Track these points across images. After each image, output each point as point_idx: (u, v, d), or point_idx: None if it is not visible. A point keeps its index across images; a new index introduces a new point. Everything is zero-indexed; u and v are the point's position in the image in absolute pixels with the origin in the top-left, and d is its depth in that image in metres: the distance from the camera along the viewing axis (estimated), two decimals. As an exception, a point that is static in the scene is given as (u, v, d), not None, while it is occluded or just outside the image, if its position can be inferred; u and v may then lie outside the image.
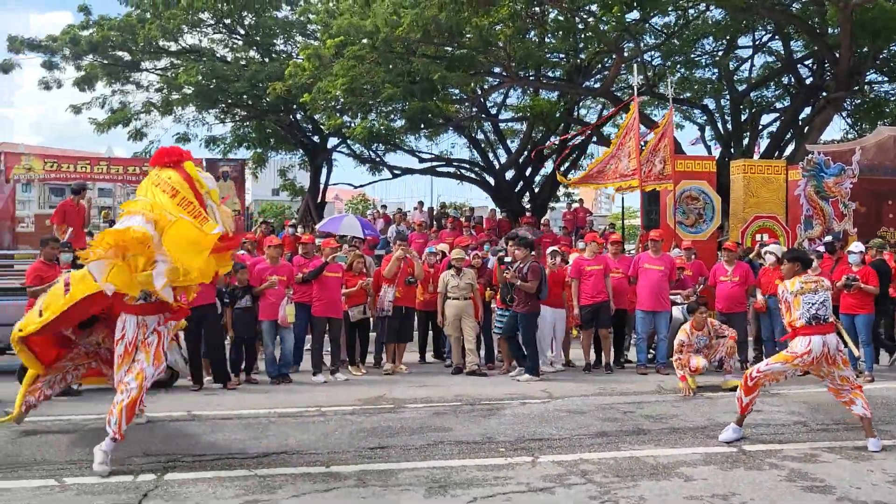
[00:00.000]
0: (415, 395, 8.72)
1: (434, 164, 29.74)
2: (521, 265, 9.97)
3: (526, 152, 27.15)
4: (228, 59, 26.27)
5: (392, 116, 23.83)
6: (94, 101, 26.72)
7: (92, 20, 25.21)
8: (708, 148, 26.02)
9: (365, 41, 17.42)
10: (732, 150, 23.21)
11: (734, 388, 7.74)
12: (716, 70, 23.95)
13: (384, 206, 29.01)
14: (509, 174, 28.43)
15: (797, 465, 5.79)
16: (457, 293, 10.41)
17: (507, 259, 10.26)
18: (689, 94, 24.81)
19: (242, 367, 9.76)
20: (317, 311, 10.12)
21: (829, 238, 12.05)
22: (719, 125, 25.35)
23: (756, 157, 23.48)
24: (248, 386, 9.49)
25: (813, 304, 6.41)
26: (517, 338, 10.01)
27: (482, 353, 10.86)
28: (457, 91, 22.41)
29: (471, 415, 7.66)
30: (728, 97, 24.16)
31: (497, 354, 11.07)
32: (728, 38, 22.52)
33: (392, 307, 10.55)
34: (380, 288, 10.60)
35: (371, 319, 10.85)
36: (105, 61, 25.47)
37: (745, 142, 23.95)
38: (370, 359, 11.14)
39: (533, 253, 10.48)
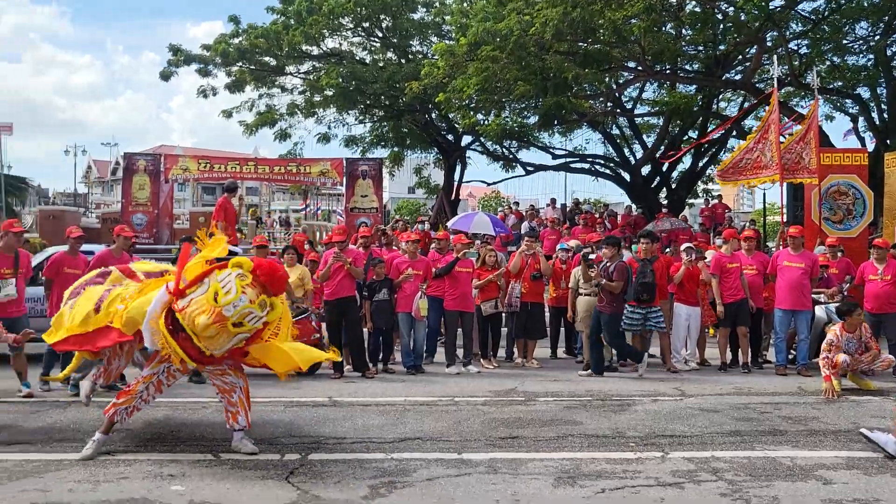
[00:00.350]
0: (546, 389, 8.83)
1: (568, 160, 29.56)
2: (609, 264, 9.90)
3: (662, 147, 26.57)
4: (367, 62, 27.21)
5: (525, 113, 23.95)
6: (243, 105, 28.41)
7: (241, 28, 26.76)
8: (862, 140, 24.48)
9: (501, 49, 17.57)
10: (889, 141, 21.77)
11: (878, 391, 7.39)
12: (871, 56, 22.52)
13: (516, 203, 29.14)
14: (645, 170, 27.85)
15: (949, 473, 5.50)
16: (588, 289, 10.41)
17: (592, 256, 10.21)
18: (840, 84, 23.48)
19: (380, 357, 10.17)
20: (449, 305, 10.41)
21: None
22: (874, 115, 23.82)
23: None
24: (385, 375, 9.89)
25: None
26: (601, 339, 10.00)
27: (614, 349, 10.79)
28: (591, 87, 22.19)
29: (601, 410, 7.70)
30: (884, 85, 22.63)
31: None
32: (885, 20, 21.07)
33: (519, 302, 10.69)
34: (508, 283, 10.77)
35: (503, 314, 11.02)
36: (252, 67, 27.00)
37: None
38: (501, 353, 11.32)
39: (621, 252, 10.37)
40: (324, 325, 10.14)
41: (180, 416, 7.30)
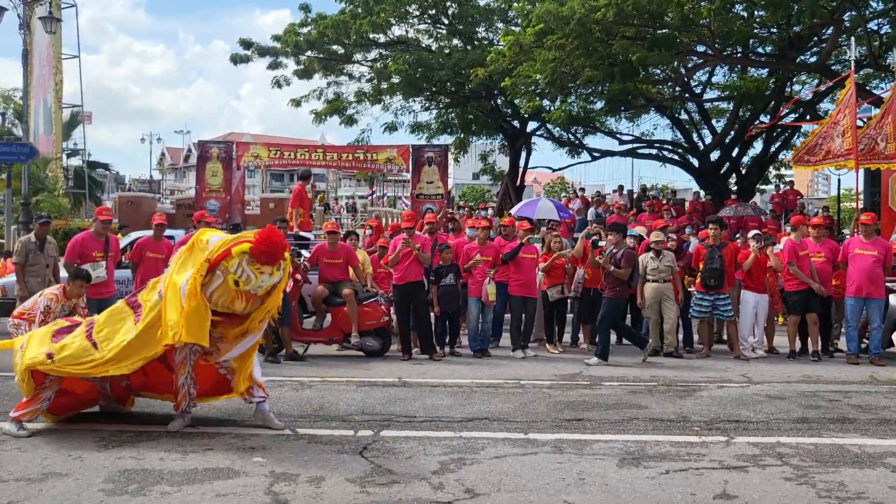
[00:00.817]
0: (611, 374, 8.93)
1: (635, 145, 29.24)
2: (616, 251, 9.93)
3: (733, 133, 26.08)
4: (433, 49, 27.38)
5: (591, 99, 23.80)
6: (312, 93, 28.91)
7: (310, 17, 27.22)
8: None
9: (564, 27, 17.45)
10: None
11: None
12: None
13: (582, 189, 29.00)
14: (714, 155, 27.35)
15: None
16: (656, 275, 10.43)
17: (601, 243, 10.22)
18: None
19: (446, 340, 10.40)
20: (513, 291, 10.55)
21: None
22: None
23: None
24: (451, 358, 10.12)
25: None
26: (622, 324, 10.16)
27: (680, 336, 10.80)
28: (658, 71, 21.91)
29: (666, 394, 7.77)
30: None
31: (696, 338, 10.96)
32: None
33: (581, 288, 10.77)
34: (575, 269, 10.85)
35: (568, 300, 11.11)
36: (321, 55, 27.44)
37: None
38: (567, 338, 11.42)
39: (626, 239, 10.35)
40: (392, 309, 10.41)
41: (258, 393, 7.64)
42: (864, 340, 10.32)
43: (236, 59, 27.88)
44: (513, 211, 17.39)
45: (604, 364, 9.64)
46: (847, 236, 13.81)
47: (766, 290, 10.55)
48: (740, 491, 4.81)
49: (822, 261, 10.38)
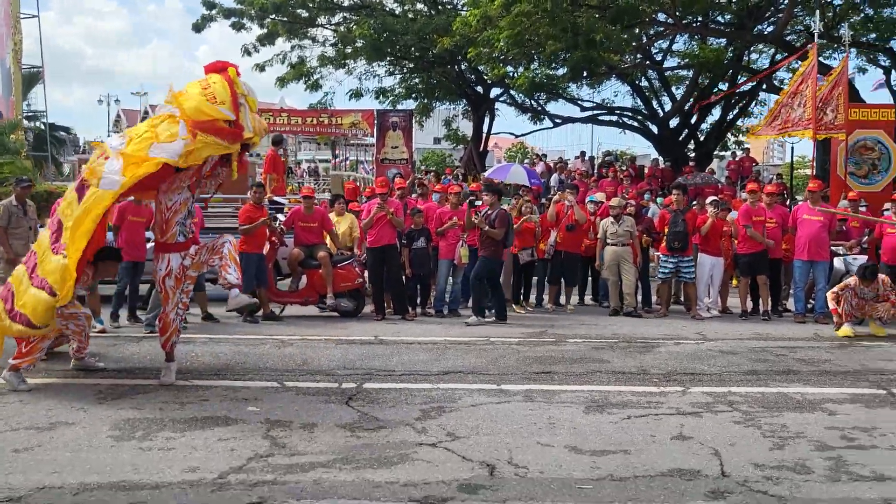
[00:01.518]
0: (575, 332, 9.44)
1: (596, 112, 29.74)
2: (490, 212, 10.19)
3: (691, 100, 26.70)
4: (397, 13, 27.40)
5: (554, 65, 24.14)
6: (275, 57, 28.75)
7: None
8: (893, 93, 24.39)
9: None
10: (918, 96, 21.77)
11: (884, 337, 8.11)
12: (905, 9, 22.34)
13: (544, 155, 29.47)
14: (673, 122, 27.96)
15: (945, 408, 6.06)
16: (615, 239, 10.95)
17: (478, 203, 10.55)
18: (873, 36, 23.38)
19: (419, 300, 10.81)
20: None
21: None
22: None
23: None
24: (423, 318, 10.55)
25: None
26: (484, 282, 10.29)
27: (639, 297, 11.35)
28: (622, 41, 22.27)
29: (627, 350, 8.30)
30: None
31: (654, 299, 11.53)
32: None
33: (553, 251, 11.24)
34: (546, 232, 11.29)
35: (536, 263, 11.57)
36: (285, 18, 27.28)
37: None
38: (532, 299, 11.90)
39: (501, 199, 10.74)
40: (366, 271, 10.77)
41: (243, 349, 8.01)
42: (811, 301, 10.97)
43: (199, 26, 27.61)
44: (485, 174, 17.77)
45: (483, 322, 9.99)
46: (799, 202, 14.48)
47: (722, 253, 11.13)
48: (695, 433, 5.34)
49: (773, 226, 10.97)
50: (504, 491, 4.23)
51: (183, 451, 4.81)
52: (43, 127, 26.82)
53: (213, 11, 27.17)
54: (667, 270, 10.90)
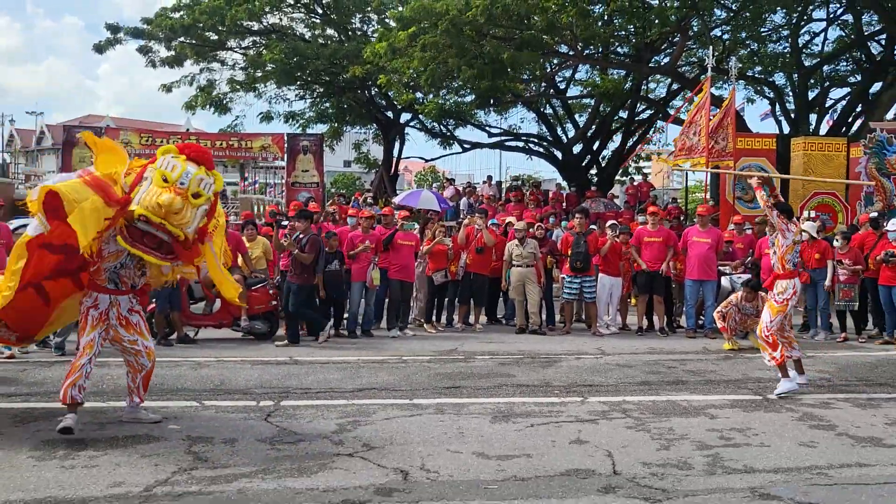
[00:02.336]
0: (483, 349, 9.91)
1: (503, 138, 30.66)
2: (302, 236, 10.29)
3: (594, 127, 27.91)
4: (307, 38, 27.65)
5: (462, 93, 24.87)
6: (183, 79, 28.54)
7: (183, 2, 26.87)
8: (779, 122, 26.10)
9: (437, 26, 18.30)
10: (799, 126, 23.39)
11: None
12: (786, 44, 24.06)
13: (452, 180, 30.13)
14: (577, 148, 29.11)
15: (810, 410, 6.76)
16: (520, 261, 11.51)
17: (285, 223, 10.92)
18: (758, 69, 25.04)
19: (331, 322, 11.06)
20: (392, 275, 11.33)
21: (874, 214, 12.64)
22: (790, 101, 25.42)
23: (824, 131, 23.70)
24: (336, 339, 10.80)
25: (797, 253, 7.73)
26: (305, 311, 10.37)
27: (544, 315, 11.92)
28: (527, 69, 23.17)
29: (531, 365, 8.80)
30: (797, 72, 24.21)
31: (558, 317, 12.13)
32: (800, 10, 22.43)
33: (463, 272, 11.70)
34: (458, 255, 11.75)
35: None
36: (193, 41, 27.14)
37: (815, 117, 24.14)
38: (443, 318, 12.32)
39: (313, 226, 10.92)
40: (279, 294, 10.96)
41: (159, 371, 8.05)
42: (701, 317, 11.77)
43: (101, 48, 27.14)
44: (396, 200, 18.17)
45: (294, 346, 10.04)
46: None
47: (620, 273, 11.83)
48: (591, 437, 5.82)
49: (659, 242, 11.71)
50: (417, 493, 4.58)
51: (107, 467, 4.96)
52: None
53: (119, 34, 26.81)
54: (572, 290, 11.53)
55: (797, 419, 6.45)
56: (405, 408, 6.66)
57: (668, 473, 4.99)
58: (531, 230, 11.89)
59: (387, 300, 11.49)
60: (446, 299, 12.16)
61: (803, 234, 11.28)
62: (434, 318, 11.94)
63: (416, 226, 12.37)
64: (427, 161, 33.87)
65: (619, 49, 25.39)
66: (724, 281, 11.70)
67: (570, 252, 11.51)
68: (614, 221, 12.66)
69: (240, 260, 10.73)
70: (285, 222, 10.91)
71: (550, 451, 5.44)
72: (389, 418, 6.29)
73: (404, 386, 7.56)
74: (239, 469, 4.96)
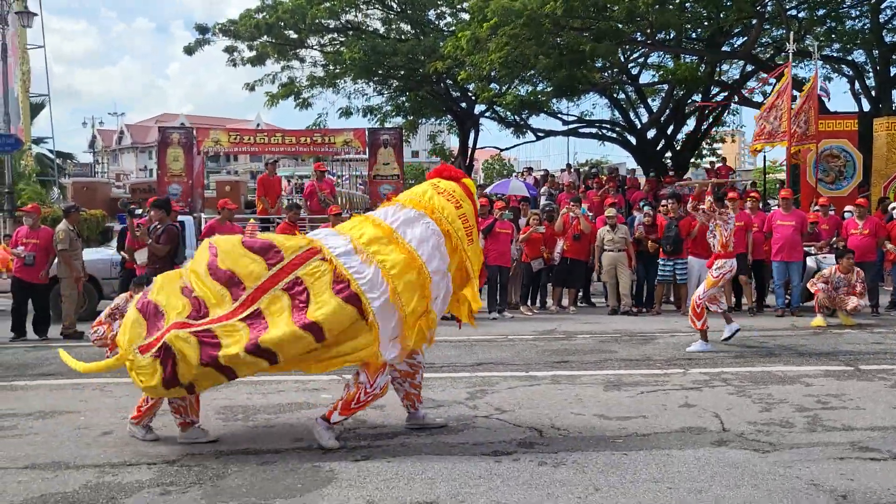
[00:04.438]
0: (581, 329, 10.61)
1: (576, 125, 31.06)
2: (158, 226, 9.72)
3: (668, 112, 28.10)
4: (382, 32, 28.56)
5: (536, 82, 25.42)
6: (266, 77, 29.82)
7: (267, 3, 28.13)
8: (858, 101, 25.77)
9: (517, 20, 18.92)
10: (881, 104, 23.17)
11: (853, 326, 9.51)
12: (866, 21, 23.79)
13: (529, 169, 30.72)
14: (651, 133, 29.31)
15: (902, 378, 7.27)
16: (612, 245, 12.13)
17: (139, 211, 10.98)
18: (836, 47, 24.83)
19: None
20: (491, 261, 12.07)
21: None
22: (871, 78, 25.09)
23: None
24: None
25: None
26: None
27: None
28: (604, 58, 23.56)
29: (630, 342, 9.47)
30: (877, 49, 23.92)
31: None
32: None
33: (559, 258, 12.40)
34: (553, 241, 12.46)
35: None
36: (275, 40, 28.35)
37: (897, 95, 23.83)
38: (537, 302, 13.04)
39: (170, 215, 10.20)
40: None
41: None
42: (787, 296, 12.20)
43: (191, 49, 28.61)
44: (488, 190, 18.92)
45: None
46: (774, 207, 15.76)
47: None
48: (698, 402, 6.48)
49: (756, 230, 12.18)
50: (554, 446, 5.33)
51: (284, 428, 5.86)
52: (46, 153, 27.64)
53: (208, 35, 28.21)
54: (665, 272, 12.09)
55: (890, 386, 6.98)
56: (524, 379, 7.42)
57: (773, 430, 5.62)
58: (621, 216, 12.48)
59: (486, 285, 12.26)
60: (541, 283, 12.86)
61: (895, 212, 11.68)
62: (529, 301, 12.65)
63: (511, 215, 13.09)
64: (501, 150, 34.49)
65: (692, 34, 25.53)
66: (811, 261, 12.09)
67: (662, 236, 12.05)
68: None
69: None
70: (139, 211, 11.13)
71: (663, 414, 6.12)
72: (512, 388, 7.06)
73: (518, 361, 8.32)
74: (395, 429, 5.80)
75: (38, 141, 27.97)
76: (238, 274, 5.22)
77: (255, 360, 4.96)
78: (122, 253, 10.74)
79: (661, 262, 12.16)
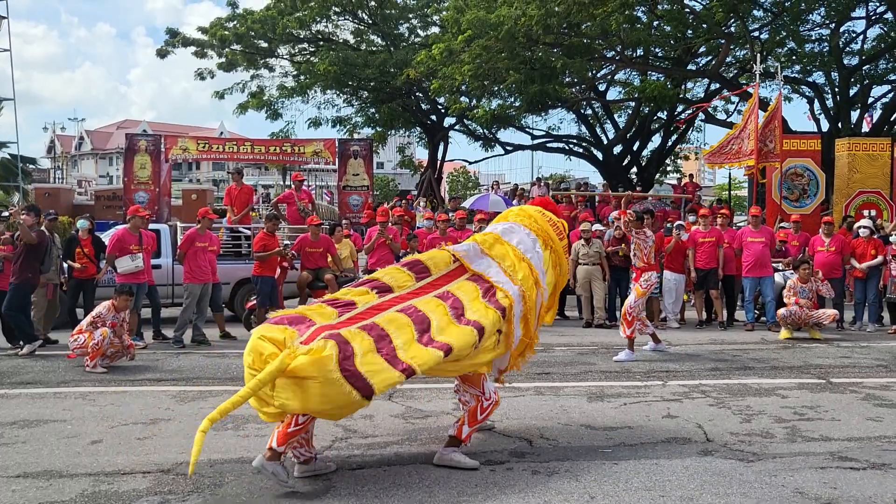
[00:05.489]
0: (558, 342, 10.74)
1: (544, 140, 31.42)
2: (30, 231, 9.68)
3: (634, 128, 28.56)
4: (352, 43, 28.65)
5: (506, 96, 25.69)
6: (235, 86, 29.71)
7: (237, 13, 28.09)
8: (817, 121, 26.43)
9: (492, 33, 19.17)
10: (840, 124, 23.81)
11: (821, 340, 9.84)
12: (825, 44, 24.47)
13: (496, 183, 30.95)
14: (617, 149, 29.76)
15: (873, 392, 7.52)
16: (586, 259, 12.31)
17: (5, 214, 11.15)
18: (797, 68, 25.50)
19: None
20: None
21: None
22: (829, 100, 25.79)
23: (866, 129, 24.14)
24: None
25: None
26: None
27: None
28: (574, 74, 23.92)
29: (607, 355, 9.62)
30: (837, 72, 24.58)
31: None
32: (840, 9, 22.85)
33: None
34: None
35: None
36: (246, 49, 28.29)
37: (856, 115, 24.54)
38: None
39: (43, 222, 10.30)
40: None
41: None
42: (757, 311, 12.49)
43: (163, 52, 28.44)
44: (466, 204, 19.05)
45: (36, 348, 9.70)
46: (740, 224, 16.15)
47: (684, 270, 12.57)
48: (679, 413, 6.64)
49: (726, 246, 12.46)
50: (544, 455, 5.43)
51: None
52: (7, 157, 27.16)
53: (176, 39, 28.09)
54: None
55: (861, 399, 7.21)
56: (508, 390, 7.47)
57: (755, 441, 5.79)
58: (594, 231, 12.68)
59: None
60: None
61: (861, 230, 12.04)
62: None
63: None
64: (470, 163, 34.76)
65: (658, 52, 26.02)
66: (779, 277, 12.40)
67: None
68: (680, 222, 13.38)
69: (329, 259, 11.67)
70: (5, 213, 11.32)
71: (647, 424, 6.27)
72: (504, 398, 7.12)
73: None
74: (385, 438, 5.85)
75: (0, 145, 27.51)
76: (386, 281, 5.42)
77: (438, 355, 4.80)
78: (69, 262, 10.67)
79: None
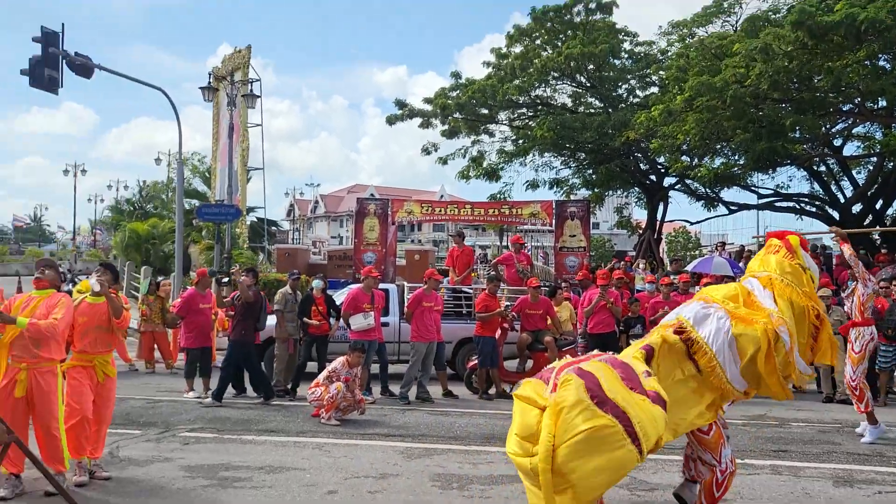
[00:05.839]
0: (794, 416, 9.91)
1: (772, 199, 29.71)
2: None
3: (876, 185, 26.26)
4: (570, 106, 28.98)
5: (734, 157, 24.66)
6: (457, 151, 31.03)
7: (459, 83, 29.52)
8: None
9: (718, 96, 18.59)
10: None
11: None
12: None
13: (722, 244, 29.60)
14: (856, 208, 27.48)
15: None
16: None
17: (225, 280, 11.53)
18: None
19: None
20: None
21: None
22: None
23: None
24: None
25: None
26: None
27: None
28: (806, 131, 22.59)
29: (853, 434, 8.74)
30: None
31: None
32: None
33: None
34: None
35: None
36: (467, 117, 29.52)
37: None
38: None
39: None
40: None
41: (485, 421, 9.14)
42: None
43: (392, 119, 30.41)
44: (689, 267, 18.46)
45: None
46: None
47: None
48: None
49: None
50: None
51: (497, 500, 5.91)
52: (255, 220, 30.08)
53: (405, 111, 29.96)
54: (887, 359, 11.15)
55: None
56: (740, 466, 6.97)
57: None
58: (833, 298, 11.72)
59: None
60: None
61: None
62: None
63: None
64: (692, 224, 33.56)
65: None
66: None
67: (884, 318, 11.18)
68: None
69: (548, 321, 11.69)
70: (225, 280, 11.71)
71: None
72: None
73: (734, 446, 7.89)
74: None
75: (249, 210, 30.53)
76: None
77: None
78: (304, 319, 11.32)
79: (883, 348, 11.23)
